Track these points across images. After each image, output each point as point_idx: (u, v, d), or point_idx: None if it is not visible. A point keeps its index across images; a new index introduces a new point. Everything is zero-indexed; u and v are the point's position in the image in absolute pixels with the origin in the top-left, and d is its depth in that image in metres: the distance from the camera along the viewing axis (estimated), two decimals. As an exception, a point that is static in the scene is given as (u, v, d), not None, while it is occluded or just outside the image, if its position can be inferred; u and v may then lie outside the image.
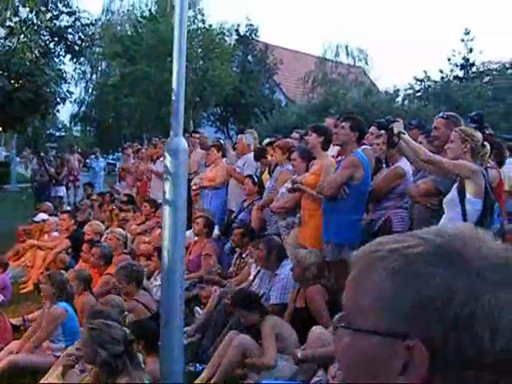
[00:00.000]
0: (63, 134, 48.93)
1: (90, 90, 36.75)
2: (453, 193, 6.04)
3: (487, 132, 7.35)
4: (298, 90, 36.45)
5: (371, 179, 7.81)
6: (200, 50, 29.17)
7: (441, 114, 7.54)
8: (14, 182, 33.80)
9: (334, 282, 7.42)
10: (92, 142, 37.51)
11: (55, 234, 12.86)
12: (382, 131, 7.07)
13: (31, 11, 16.03)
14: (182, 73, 5.14)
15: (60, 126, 50.01)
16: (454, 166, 6.04)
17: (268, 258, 7.93)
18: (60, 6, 20.96)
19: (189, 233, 11.12)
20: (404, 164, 7.92)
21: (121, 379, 4.75)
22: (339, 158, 8.42)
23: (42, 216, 13.86)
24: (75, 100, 35.37)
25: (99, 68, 36.13)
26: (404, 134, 6.32)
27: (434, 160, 6.20)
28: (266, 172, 10.71)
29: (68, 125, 46.13)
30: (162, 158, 13.72)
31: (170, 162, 5.12)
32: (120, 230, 11.24)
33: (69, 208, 18.13)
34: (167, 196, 5.08)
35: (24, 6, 13.44)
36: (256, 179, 10.58)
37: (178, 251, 5.03)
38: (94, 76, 36.61)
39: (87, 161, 27.65)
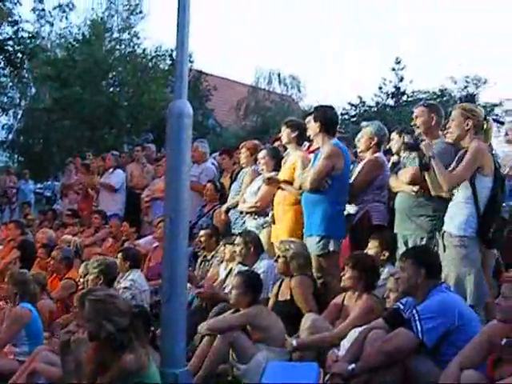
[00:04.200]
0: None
1: (19, 117, 35.78)
2: None
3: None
4: (231, 117, 36.47)
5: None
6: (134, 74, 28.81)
7: (421, 103, 7.48)
8: None
9: (319, 274, 7.22)
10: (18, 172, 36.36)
11: (-1, 247, 12.26)
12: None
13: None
14: (185, 33, 4.82)
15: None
16: (472, 165, 5.83)
17: (246, 252, 7.64)
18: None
19: (144, 241, 10.87)
20: (380, 155, 7.85)
21: (126, 356, 4.39)
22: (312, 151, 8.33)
23: (-18, 231, 13.25)
24: (3, 126, 34.48)
25: (28, 94, 35.27)
26: (434, 157, 6.06)
27: (458, 179, 5.91)
28: (228, 177, 10.53)
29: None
30: (110, 170, 13.51)
31: (172, 127, 4.84)
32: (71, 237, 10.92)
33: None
34: (170, 161, 4.80)
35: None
36: (218, 185, 10.32)
37: (182, 219, 4.75)
38: (23, 102, 35.69)
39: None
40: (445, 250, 5.89)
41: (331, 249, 7.12)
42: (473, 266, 5.67)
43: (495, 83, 34.75)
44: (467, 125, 5.98)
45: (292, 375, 5.07)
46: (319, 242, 7.14)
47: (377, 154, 7.85)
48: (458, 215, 5.86)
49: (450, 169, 5.99)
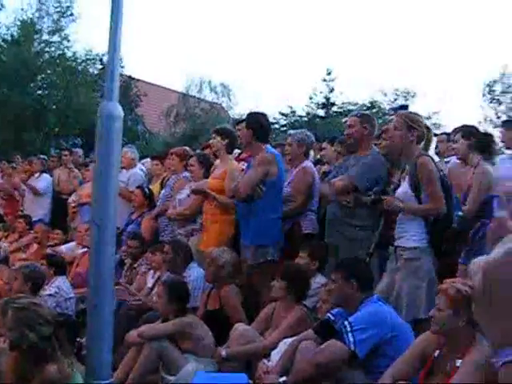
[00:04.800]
0: None
1: None
2: (404, 186, 5.80)
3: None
4: (160, 123, 36.13)
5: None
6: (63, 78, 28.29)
7: (354, 113, 7.47)
8: None
9: (253, 283, 7.17)
10: None
11: None
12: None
13: None
14: (117, 33, 4.67)
15: None
16: (436, 180, 5.69)
17: (176, 260, 7.50)
18: None
19: (66, 247, 10.63)
20: (309, 164, 7.82)
21: (49, 367, 4.20)
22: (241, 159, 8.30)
23: None
24: None
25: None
26: (403, 209, 5.84)
27: (440, 201, 5.67)
28: (158, 183, 10.37)
29: None
30: (36, 175, 13.19)
31: (101, 129, 4.67)
32: (-1, 242, 10.62)
33: None
34: (98, 165, 4.63)
35: None
36: (147, 191, 10.15)
37: (110, 225, 4.58)
38: None
39: None
40: (397, 262, 5.79)
41: (269, 258, 7.04)
42: (426, 278, 5.55)
43: (425, 95, 35.21)
44: (412, 135, 5.83)
45: (221, 386, 4.97)
46: (256, 251, 7.06)
47: (304, 164, 7.84)
48: (408, 227, 5.75)
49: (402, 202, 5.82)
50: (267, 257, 7.03)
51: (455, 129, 7.13)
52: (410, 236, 5.68)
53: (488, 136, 6.95)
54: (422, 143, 5.95)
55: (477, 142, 6.76)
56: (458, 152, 6.93)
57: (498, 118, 35.74)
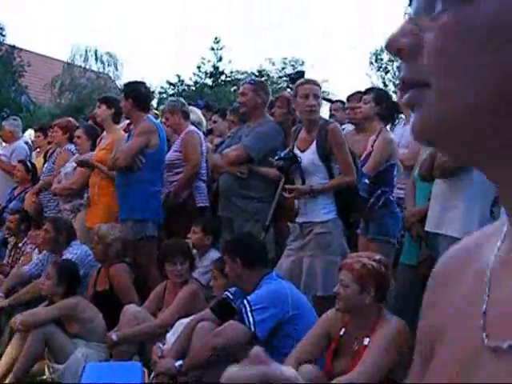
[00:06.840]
0: None
1: None
2: (311, 156, 5.53)
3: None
4: (45, 94, 35.14)
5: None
6: None
7: (248, 80, 7.24)
8: None
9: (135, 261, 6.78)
10: None
11: None
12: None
13: None
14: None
15: None
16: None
17: (56, 239, 7.00)
18: None
19: None
20: (192, 128, 7.50)
21: None
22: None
23: None
24: None
25: None
26: (312, 191, 5.52)
27: (351, 167, 5.52)
28: (41, 157, 9.91)
29: None
30: None
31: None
32: None
33: None
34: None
35: None
36: (29, 165, 9.64)
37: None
38: None
39: None
40: (303, 239, 5.52)
41: (148, 233, 6.75)
42: (339, 251, 5.32)
43: (312, 66, 35.55)
44: (320, 103, 5.71)
45: (114, 376, 4.62)
46: (134, 225, 6.74)
47: (188, 129, 7.44)
48: (316, 201, 5.51)
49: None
50: (147, 233, 6.75)
51: (367, 89, 6.92)
52: (320, 210, 5.45)
53: (396, 105, 6.72)
54: None
55: (385, 109, 6.55)
56: (363, 111, 6.68)
57: (386, 85, 36.52)
